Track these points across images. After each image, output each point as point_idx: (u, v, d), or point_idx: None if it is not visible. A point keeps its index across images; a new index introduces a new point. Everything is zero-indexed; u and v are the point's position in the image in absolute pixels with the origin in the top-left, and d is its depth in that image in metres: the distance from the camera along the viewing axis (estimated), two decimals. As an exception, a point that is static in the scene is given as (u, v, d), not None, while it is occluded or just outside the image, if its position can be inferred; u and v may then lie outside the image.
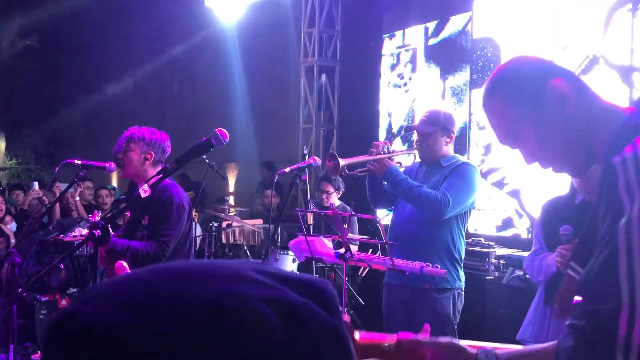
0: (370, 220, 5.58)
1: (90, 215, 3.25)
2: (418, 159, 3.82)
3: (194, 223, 6.69)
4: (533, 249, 3.30)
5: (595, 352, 1.06)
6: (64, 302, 6.05)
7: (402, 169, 3.67)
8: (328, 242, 3.44)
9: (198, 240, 6.79)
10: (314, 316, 0.55)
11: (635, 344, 1.00)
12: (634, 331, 1.00)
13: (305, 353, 0.53)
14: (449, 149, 3.72)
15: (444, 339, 1.22)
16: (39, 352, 5.40)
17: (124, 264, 2.92)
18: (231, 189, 10.36)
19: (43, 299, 5.93)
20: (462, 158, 3.85)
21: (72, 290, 6.17)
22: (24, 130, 13.67)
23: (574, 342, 1.11)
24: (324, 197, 5.78)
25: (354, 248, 4.05)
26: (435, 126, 3.63)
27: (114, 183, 11.25)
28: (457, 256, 3.60)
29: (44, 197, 5.76)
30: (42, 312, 5.89)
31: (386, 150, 3.57)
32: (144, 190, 2.34)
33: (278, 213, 5.84)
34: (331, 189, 5.77)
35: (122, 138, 3.61)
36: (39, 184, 8.07)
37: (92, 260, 2.79)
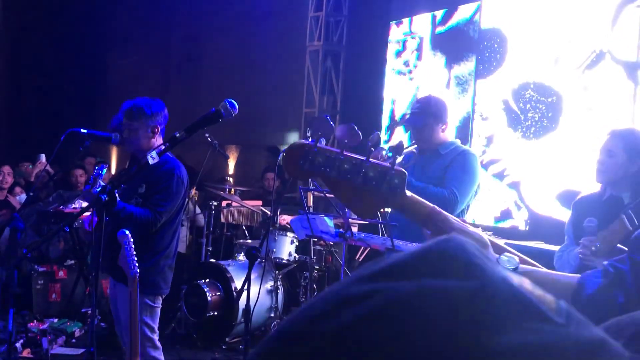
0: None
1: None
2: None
3: (193, 203, 6.76)
4: (564, 244, 3.30)
5: (625, 298, 1.08)
6: (61, 273, 6.08)
7: (400, 159, 3.64)
8: (329, 222, 3.45)
9: (200, 218, 6.81)
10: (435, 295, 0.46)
11: None
12: None
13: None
14: (446, 135, 3.67)
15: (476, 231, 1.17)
16: (34, 320, 5.44)
17: (127, 232, 2.94)
18: (231, 171, 10.37)
19: (41, 269, 5.96)
20: (460, 143, 3.79)
21: (70, 262, 6.19)
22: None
23: (607, 281, 1.12)
24: None
25: (354, 229, 4.06)
26: (428, 117, 3.56)
27: (114, 156, 11.25)
28: None
29: (49, 168, 5.76)
30: (39, 282, 5.92)
31: (386, 155, 3.52)
32: (152, 158, 2.35)
33: (278, 195, 5.86)
34: None
35: (121, 115, 3.59)
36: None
37: (96, 229, 2.81)
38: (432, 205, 1.17)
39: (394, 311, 0.45)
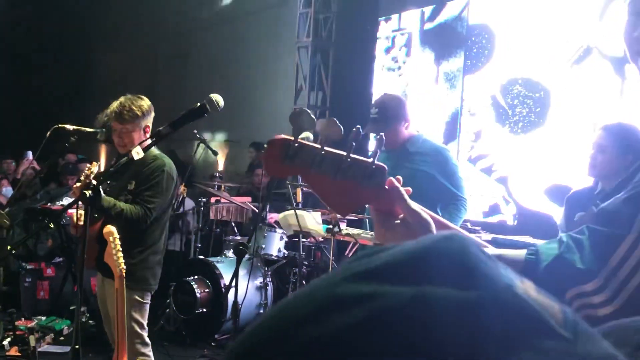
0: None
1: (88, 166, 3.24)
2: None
3: (184, 198, 6.74)
4: None
5: (583, 264, 1.08)
6: (49, 271, 6.05)
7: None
8: (317, 217, 3.45)
9: (189, 214, 6.78)
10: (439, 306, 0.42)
11: (624, 271, 1.03)
12: (629, 259, 1.04)
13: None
14: (410, 130, 3.65)
15: (424, 212, 1.14)
16: (22, 318, 5.41)
17: (113, 228, 2.93)
18: (220, 167, 10.34)
19: (29, 267, 5.93)
20: (425, 136, 3.76)
21: (58, 259, 6.17)
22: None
23: (564, 249, 1.12)
24: None
25: (342, 224, 4.07)
26: (389, 121, 3.52)
27: (103, 154, 11.19)
28: None
29: (35, 165, 5.74)
30: (27, 279, 5.89)
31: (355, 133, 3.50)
32: (137, 153, 2.34)
33: (267, 190, 5.85)
34: None
35: (113, 119, 3.53)
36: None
37: (82, 225, 2.79)
38: (407, 199, 1.16)
39: (388, 320, 0.41)
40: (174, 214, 6.67)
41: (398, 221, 1.12)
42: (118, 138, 3.52)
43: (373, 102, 3.66)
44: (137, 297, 3.49)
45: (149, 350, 3.58)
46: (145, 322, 3.57)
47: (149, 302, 3.61)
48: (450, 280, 0.43)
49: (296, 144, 1.06)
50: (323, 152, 1.06)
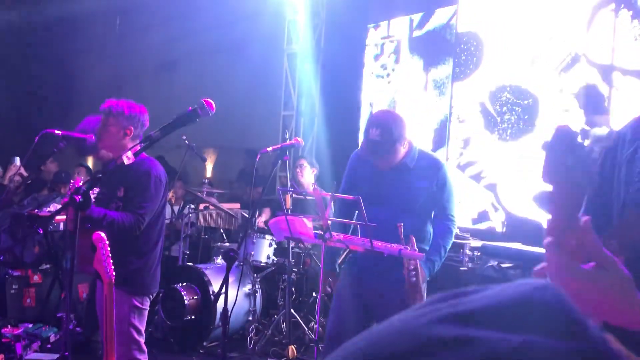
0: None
1: (72, 182, 3.21)
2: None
3: (184, 204, 6.70)
4: None
5: None
6: (35, 278, 5.99)
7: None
8: (308, 223, 3.43)
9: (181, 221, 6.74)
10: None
11: None
12: None
13: None
14: (405, 146, 3.47)
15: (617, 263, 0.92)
16: (8, 326, 5.35)
17: (102, 234, 2.90)
18: (209, 174, 10.32)
19: (15, 273, 5.87)
20: (419, 148, 3.57)
21: (45, 266, 6.10)
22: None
23: None
24: (297, 170, 5.92)
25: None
26: (393, 144, 3.33)
27: (90, 163, 11.13)
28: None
29: (23, 171, 5.68)
30: (13, 287, 5.83)
31: None
32: (128, 158, 2.32)
33: (259, 197, 5.84)
34: (305, 163, 5.89)
35: (100, 111, 3.56)
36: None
37: (70, 235, 2.76)
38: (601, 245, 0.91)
39: None
40: (176, 221, 6.65)
41: (590, 269, 0.91)
42: (99, 129, 3.53)
43: (372, 121, 3.40)
44: (136, 303, 3.44)
45: (144, 357, 3.52)
46: (143, 329, 3.50)
47: (148, 307, 3.55)
48: (553, 331, 0.44)
49: (578, 141, 0.80)
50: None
